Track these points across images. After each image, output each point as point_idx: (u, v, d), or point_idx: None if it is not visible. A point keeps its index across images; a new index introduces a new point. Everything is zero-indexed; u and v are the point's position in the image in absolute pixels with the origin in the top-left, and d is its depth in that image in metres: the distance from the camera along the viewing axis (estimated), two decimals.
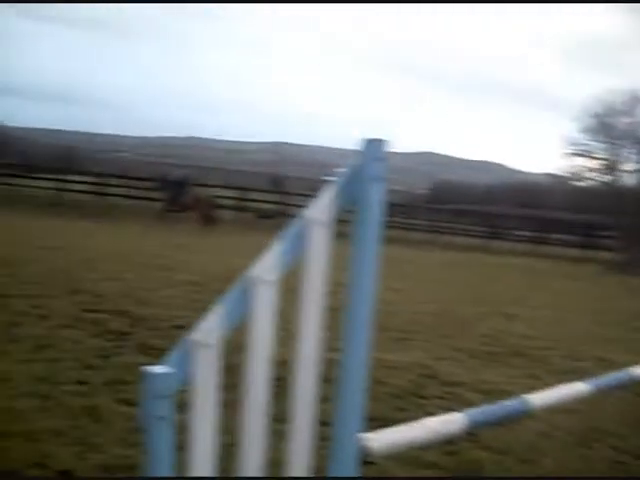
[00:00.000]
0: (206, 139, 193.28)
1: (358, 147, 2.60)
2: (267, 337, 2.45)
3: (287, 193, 34.42)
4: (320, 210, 2.52)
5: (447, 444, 5.00)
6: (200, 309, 8.94)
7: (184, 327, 8.14)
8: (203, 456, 2.37)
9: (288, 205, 32.69)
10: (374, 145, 2.58)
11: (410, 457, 4.77)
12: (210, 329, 2.30)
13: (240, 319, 2.42)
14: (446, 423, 3.11)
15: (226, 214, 31.29)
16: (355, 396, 2.61)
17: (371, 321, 2.63)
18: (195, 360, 2.28)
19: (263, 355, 2.45)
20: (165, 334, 7.87)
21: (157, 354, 6.92)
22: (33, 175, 36.90)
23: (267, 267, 2.41)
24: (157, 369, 2.24)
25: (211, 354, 2.31)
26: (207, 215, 25.65)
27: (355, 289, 2.55)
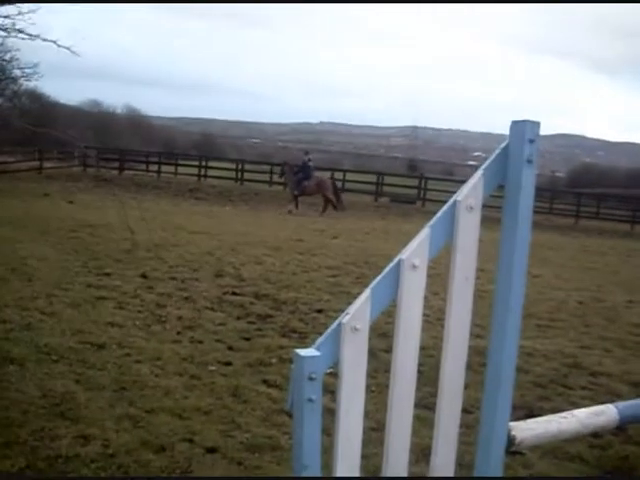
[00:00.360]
0: (342, 124, 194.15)
1: (508, 129, 2.54)
2: (416, 323, 2.43)
3: (424, 177, 34.10)
4: (470, 194, 2.47)
5: (593, 437, 4.85)
6: (340, 293, 9.07)
7: (325, 311, 8.27)
8: (350, 440, 2.38)
9: (425, 189, 32.45)
10: (525, 127, 2.50)
11: (554, 448, 4.65)
12: (359, 313, 2.30)
13: (389, 304, 2.41)
14: (596, 415, 3.00)
15: (362, 198, 31.42)
16: (505, 385, 2.55)
17: (521, 308, 2.57)
18: (344, 344, 2.29)
19: (412, 341, 2.43)
20: (306, 317, 8.01)
21: (299, 337, 7.07)
22: (175, 162, 38.25)
23: (416, 252, 2.38)
24: (307, 352, 2.26)
25: (360, 338, 2.31)
26: (331, 198, 25.64)
27: (506, 275, 2.49)
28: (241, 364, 6.14)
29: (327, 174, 33.69)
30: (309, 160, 26.43)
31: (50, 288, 8.47)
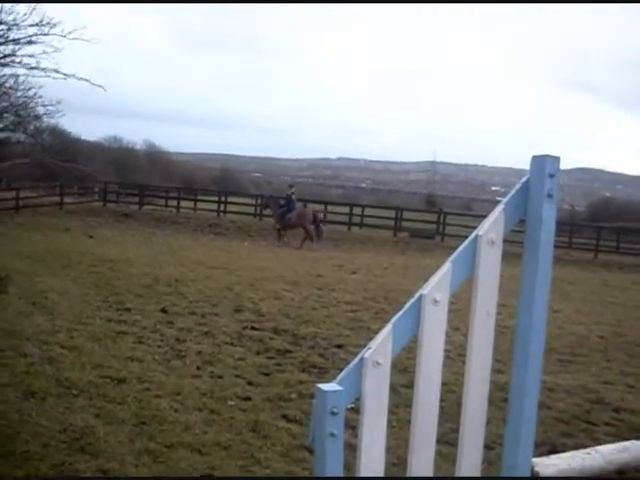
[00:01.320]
0: (360, 159, 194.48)
1: (526, 164, 2.57)
2: (438, 358, 2.43)
3: (443, 212, 34.11)
4: (491, 229, 2.49)
5: (618, 474, 4.78)
6: (360, 328, 9.03)
7: (345, 346, 8.26)
8: (372, 475, 2.38)
9: (444, 224, 32.44)
10: (545, 162, 2.53)
11: None
12: (381, 348, 2.31)
13: (410, 339, 2.42)
14: (620, 452, 2.98)
15: (381, 234, 31.45)
16: (527, 420, 2.55)
17: (543, 343, 2.56)
18: (366, 378, 2.29)
19: (434, 376, 2.44)
20: (326, 352, 7.99)
21: (318, 372, 7.05)
22: (194, 197, 38.48)
23: (438, 287, 2.40)
24: (329, 386, 2.27)
25: (382, 373, 2.32)
26: (309, 230, 25.73)
27: (527, 310, 2.50)
28: (261, 399, 6.14)
29: (345, 209, 33.86)
30: (292, 193, 26.70)
31: (71, 322, 8.52)
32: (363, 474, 2.36)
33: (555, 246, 2.60)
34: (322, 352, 7.99)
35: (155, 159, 67.96)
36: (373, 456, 2.37)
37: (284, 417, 5.71)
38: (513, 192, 2.58)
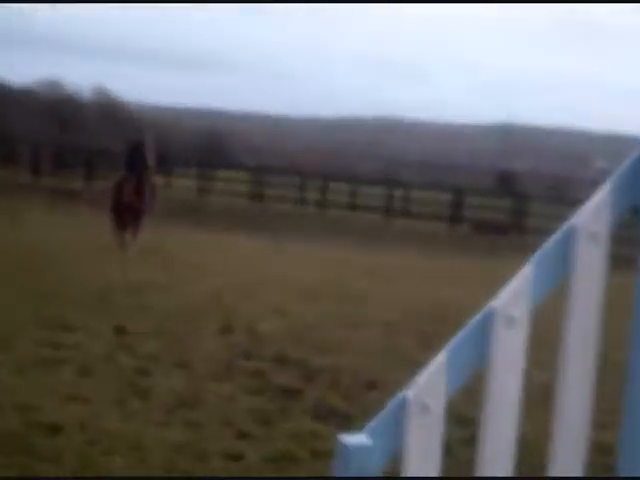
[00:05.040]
0: (404, 120, 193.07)
1: None
2: (512, 402, 2.42)
3: (522, 197, 34.07)
4: (592, 219, 2.46)
5: None
6: (399, 359, 9.01)
7: (377, 383, 8.25)
8: None
9: (522, 213, 32.38)
10: None
11: None
12: (431, 386, 2.30)
13: (471, 374, 2.41)
14: None
15: (430, 226, 31.47)
16: None
17: None
18: (409, 428, 2.28)
19: (506, 429, 2.42)
20: (350, 392, 8.00)
21: (340, 421, 7.04)
22: (167, 170, 38.55)
23: (514, 300, 2.37)
24: (354, 440, 2.26)
25: (432, 421, 2.31)
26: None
27: None
28: (257, 459, 6.13)
29: (381, 190, 33.87)
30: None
31: None
32: None
33: None
34: (345, 392, 7.99)
35: (110, 114, 68.20)
36: None
37: None
38: (623, 169, 2.55)
